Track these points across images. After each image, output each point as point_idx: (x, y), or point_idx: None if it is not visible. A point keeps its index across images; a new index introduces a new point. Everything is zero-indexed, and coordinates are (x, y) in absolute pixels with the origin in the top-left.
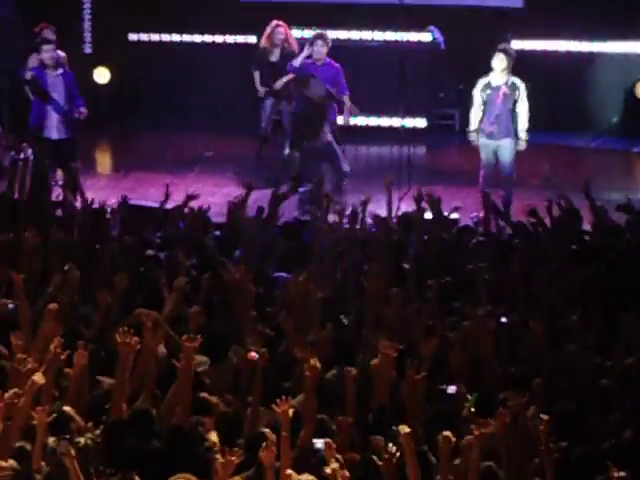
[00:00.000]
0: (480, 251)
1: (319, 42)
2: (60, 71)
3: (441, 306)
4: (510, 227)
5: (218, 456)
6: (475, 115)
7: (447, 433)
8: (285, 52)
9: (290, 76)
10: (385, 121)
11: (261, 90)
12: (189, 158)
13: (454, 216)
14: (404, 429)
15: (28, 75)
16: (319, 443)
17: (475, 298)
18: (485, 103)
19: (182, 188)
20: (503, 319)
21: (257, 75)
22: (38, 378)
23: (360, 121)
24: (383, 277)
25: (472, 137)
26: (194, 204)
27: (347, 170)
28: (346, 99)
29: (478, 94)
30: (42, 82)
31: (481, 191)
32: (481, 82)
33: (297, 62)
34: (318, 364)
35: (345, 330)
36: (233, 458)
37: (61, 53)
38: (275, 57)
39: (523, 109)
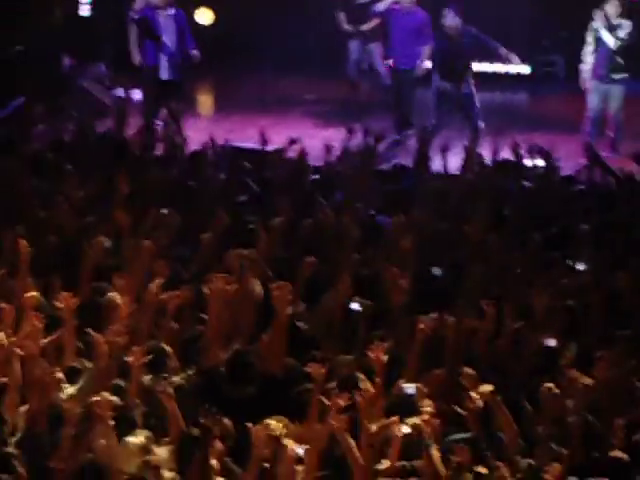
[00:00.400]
0: (583, 201)
1: None
2: (172, 11)
3: (542, 256)
4: (614, 178)
5: (323, 399)
6: (586, 56)
7: (549, 384)
8: None
9: (376, 20)
10: (488, 67)
11: (347, 27)
12: (289, 100)
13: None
14: (486, 389)
15: (136, 16)
16: (410, 389)
17: (577, 250)
18: (597, 45)
19: (282, 130)
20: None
21: (342, 15)
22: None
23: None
24: (483, 223)
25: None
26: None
27: (482, 126)
28: (427, 49)
29: (591, 35)
30: (153, 23)
31: (584, 141)
32: (594, 24)
33: (382, 6)
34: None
35: (441, 279)
36: (341, 401)
37: None
38: None
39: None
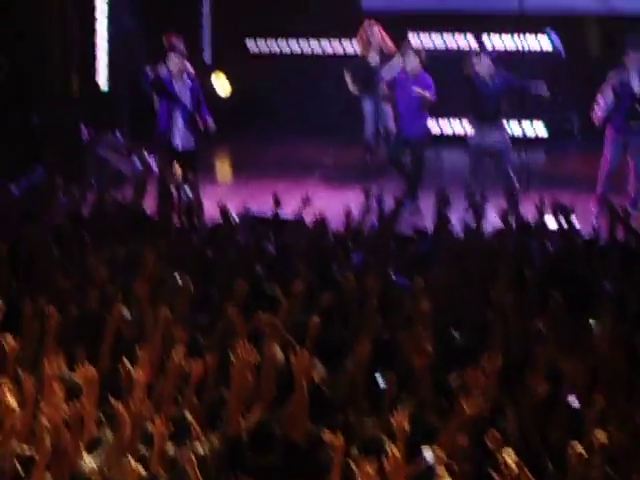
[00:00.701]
0: (605, 261)
1: (411, 53)
2: (188, 81)
3: (564, 316)
4: (635, 236)
5: (352, 465)
6: (605, 104)
7: (574, 443)
8: (384, 55)
9: (383, 86)
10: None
11: (353, 87)
12: (307, 165)
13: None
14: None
15: (152, 75)
16: (428, 454)
17: (599, 311)
18: (617, 96)
19: (300, 196)
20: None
21: (348, 74)
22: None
23: None
24: (505, 284)
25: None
26: (312, 211)
27: (517, 186)
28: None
29: (609, 87)
30: (168, 87)
31: (603, 198)
32: (614, 76)
33: (388, 73)
34: None
35: (462, 341)
36: (370, 469)
37: (188, 64)
38: (374, 61)
39: None
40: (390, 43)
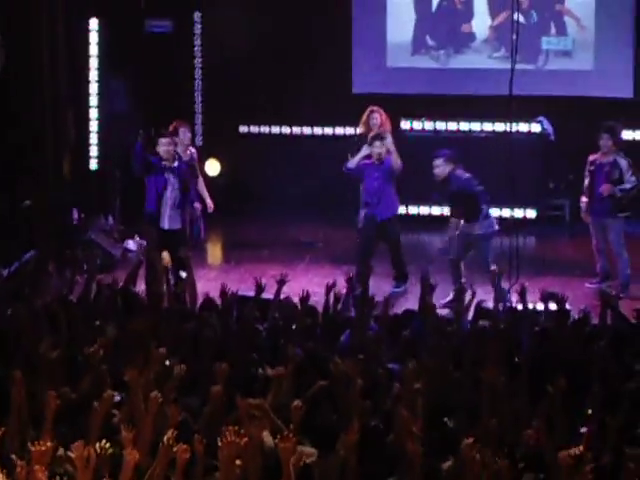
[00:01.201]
0: (595, 346)
1: (377, 143)
2: (175, 164)
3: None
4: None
5: None
6: (585, 191)
7: None
8: None
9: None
10: (494, 211)
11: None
12: (298, 247)
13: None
14: None
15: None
16: None
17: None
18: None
19: (293, 279)
20: None
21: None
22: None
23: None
24: (495, 369)
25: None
26: (304, 294)
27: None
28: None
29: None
30: (158, 168)
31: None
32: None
33: (353, 163)
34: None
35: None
36: None
37: (192, 149)
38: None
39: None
40: (389, 127)
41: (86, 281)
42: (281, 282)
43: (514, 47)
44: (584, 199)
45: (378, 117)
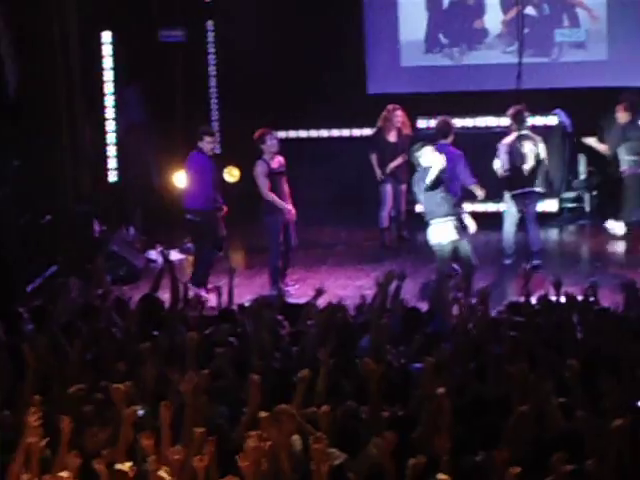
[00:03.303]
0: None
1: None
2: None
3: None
4: None
5: None
6: None
7: None
8: (402, 134)
9: (400, 160)
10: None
11: (379, 172)
12: (320, 251)
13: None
14: None
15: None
16: None
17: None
18: None
19: (315, 282)
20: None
21: (374, 158)
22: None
23: (488, 207)
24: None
25: None
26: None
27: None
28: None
29: None
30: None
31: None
32: None
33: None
34: None
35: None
36: None
37: (280, 158)
38: (393, 137)
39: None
40: (408, 126)
41: (108, 294)
42: (319, 292)
43: (521, 40)
44: None
45: (400, 114)
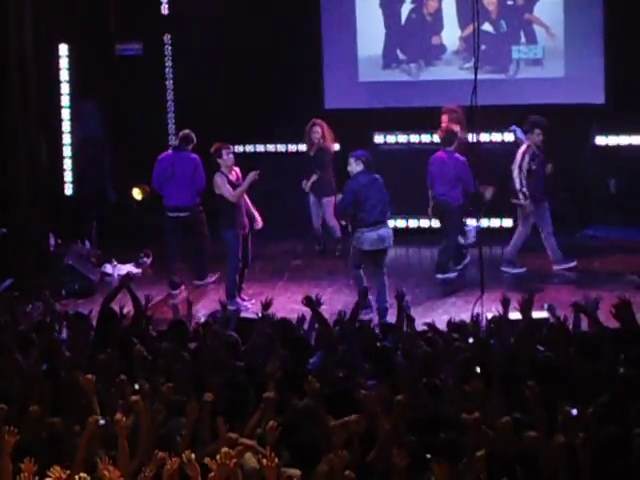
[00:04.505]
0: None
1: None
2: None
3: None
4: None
5: None
6: None
7: None
8: (319, 147)
9: (315, 177)
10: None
11: (303, 185)
12: (275, 266)
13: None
14: None
15: None
16: None
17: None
18: None
19: (271, 297)
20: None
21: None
22: None
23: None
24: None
25: None
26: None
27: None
28: None
29: None
30: None
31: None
32: None
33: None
34: None
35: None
36: None
37: (237, 169)
38: (312, 152)
39: None
40: (330, 139)
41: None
42: (266, 306)
43: (477, 56)
44: None
45: (319, 130)
